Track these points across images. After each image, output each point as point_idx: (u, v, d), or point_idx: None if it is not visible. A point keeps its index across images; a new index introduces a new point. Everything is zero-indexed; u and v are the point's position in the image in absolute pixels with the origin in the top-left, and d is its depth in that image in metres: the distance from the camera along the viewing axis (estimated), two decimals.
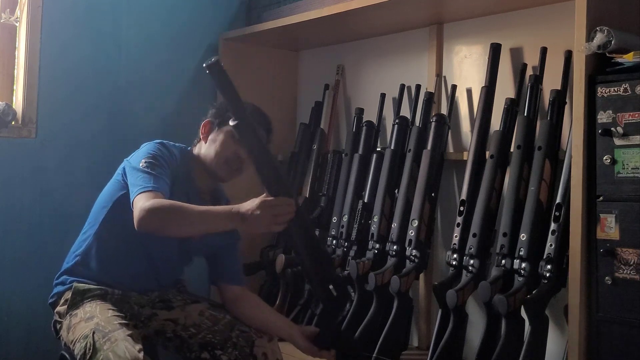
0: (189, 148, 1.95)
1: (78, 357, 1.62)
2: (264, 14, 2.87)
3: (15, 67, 2.48)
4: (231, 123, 1.60)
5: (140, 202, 1.62)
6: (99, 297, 1.77)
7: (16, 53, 2.48)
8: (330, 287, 1.68)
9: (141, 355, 1.54)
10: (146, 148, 1.82)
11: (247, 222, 1.56)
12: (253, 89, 2.86)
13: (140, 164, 1.74)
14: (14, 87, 2.48)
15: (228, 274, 1.94)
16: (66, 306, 1.77)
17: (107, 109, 2.61)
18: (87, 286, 1.78)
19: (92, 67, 2.57)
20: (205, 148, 1.89)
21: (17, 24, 2.47)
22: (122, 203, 1.77)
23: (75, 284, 1.79)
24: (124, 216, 1.73)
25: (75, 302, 1.76)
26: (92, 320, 1.67)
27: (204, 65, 1.56)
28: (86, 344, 1.60)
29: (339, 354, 1.83)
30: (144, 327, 1.82)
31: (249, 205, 1.57)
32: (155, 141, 1.86)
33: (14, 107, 2.41)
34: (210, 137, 1.89)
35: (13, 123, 2.38)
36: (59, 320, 1.79)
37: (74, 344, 1.65)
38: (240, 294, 1.93)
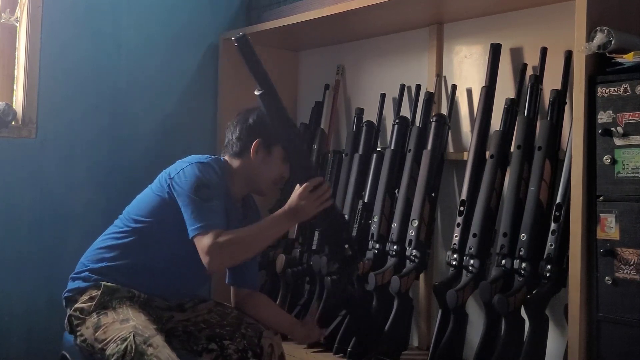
0: (222, 159, 1.92)
1: (113, 357, 1.63)
2: (264, 14, 2.87)
3: (15, 67, 2.48)
4: (256, 92, 1.71)
5: (203, 243, 1.68)
6: (127, 299, 1.76)
7: (16, 53, 2.48)
8: (346, 246, 1.83)
9: None
10: (194, 171, 1.77)
11: (298, 215, 1.75)
12: (253, 89, 2.86)
13: (194, 193, 1.73)
14: (14, 87, 2.48)
15: (246, 278, 1.98)
16: (91, 303, 1.75)
17: (107, 109, 2.61)
18: (115, 286, 1.77)
19: (92, 67, 2.57)
20: (255, 167, 1.87)
21: (17, 24, 2.47)
22: (165, 221, 1.80)
23: (104, 283, 1.77)
24: (164, 234, 1.80)
25: (104, 301, 1.74)
26: (128, 323, 1.68)
27: (232, 39, 1.68)
28: (126, 346, 1.61)
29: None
30: (163, 329, 1.84)
31: (293, 201, 1.73)
32: (199, 160, 1.81)
33: (14, 107, 2.41)
34: (259, 157, 1.87)
35: (13, 123, 2.38)
36: (80, 316, 1.75)
37: (107, 343, 1.66)
38: (251, 293, 1.99)
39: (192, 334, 1.88)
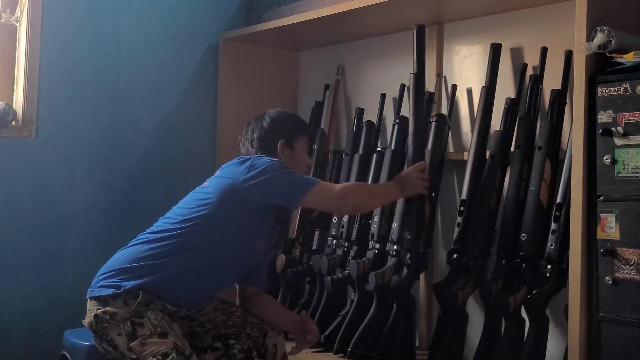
0: None
1: None
2: (264, 14, 2.88)
3: (15, 67, 2.48)
4: (411, 74, 2.02)
5: (326, 190, 1.84)
6: (160, 310, 1.74)
7: (16, 53, 2.48)
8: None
9: None
10: (261, 160, 1.83)
11: (405, 185, 1.94)
12: (253, 89, 2.88)
13: (281, 169, 1.81)
14: (14, 87, 2.48)
15: (253, 277, 1.99)
16: (127, 310, 1.70)
17: (107, 109, 2.61)
18: (151, 298, 1.73)
19: (92, 67, 2.57)
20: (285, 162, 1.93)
21: (17, 24, 2.47)
22: (225, 218, 1.81)
23: (142, 293, 1.72)
24: (229, 246, 1.82)
25: (139, 310, 1.70)
26: (167, 337, 1.67)
27: (416, 25, 2.00)
28: None
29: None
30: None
31: (405, 172, 1.97)
32: (262, 157, 1.86)
33: (14, 107, 2.41)
34: (286, 155, 1.95)
35: (13, 123, 2.38)
36: (110, 320, 1.71)
37: (145, 356, 1.65)
38: (256, 292, 2.00)
39: (197, 333, 1.88)
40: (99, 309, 1.72)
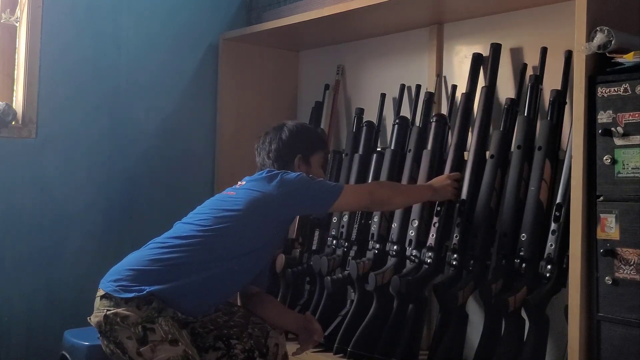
0: None
1: None
2: (264, 14, 2.88)
3: (15, 67, 2.48)
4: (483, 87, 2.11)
5: (355, 191, 1.98)
6: (171, 319, 1.72)
7: (16, 53, 2.48)
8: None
9: None
10: (289, 175, 1.87)
11: (438, 191, 2.04)
12: (253, 89, 2.88)
13: (308, 179, 1.88)
14: (14, 87, 2.48)
15: (259, 279, 1.99)
16: (139, 315, 1.69)
17: (108, 109, 2.61)
18: (164, 305, 1.72)
19: (92, 67, 2.57)
20: None
21: (17, 24, 2.47)
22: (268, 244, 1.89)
23: (156, 300, 1.71)
24: (253, 258, 1.86)
25: (152, 316, 1.70)
26: (177, 345, 1.68)
27: (492, 44, 2.12)
28: None
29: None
30: None
31: (440, 179, 2.06)
32: (289, 173, 1.89)
33: (14, 107, 2.41)
34: (302, 168, 1.99)
35: (13, 123, 2.38)
36: (121, 323, 1.69)
37: None
38: (258, 292, 2.01)
39: (199, 334, 1.87)
40: (110, 310, 1.70)
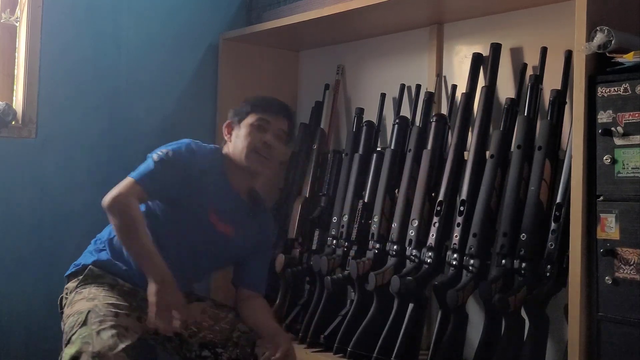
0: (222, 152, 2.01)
1: (66, 330, 1.65)
2: (264, 14, 2.87)
3: (15, 67, 2.48)
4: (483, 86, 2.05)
5: (118, 189, 1.77)
6: (108, 285, 1.80)
7: (16, 53, 2.48)
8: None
9: (121, 354, 1.56)
10: (173, 143, 1.90)
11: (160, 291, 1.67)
12: (253, 89, 2.86)
13: (154, 154, 1.86)
14: (14, 87, 2.48)
15: (250, 280, 2.00)
16: (76, 284, 1.81)
17: (108, 109, 2.61)
18: (100, 272, 1.82)
19: (92, 67, 2.57)
20: (232, 145, 1.95)
21: (17, 24, 2.47)
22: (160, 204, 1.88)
23: (90, 267, 1.83)
24: (163, 215, 1.87)
25: (87, 282, 1.80)
26: (92, 301, 1.71)
27: (491, 44, 2.09)
28: (78, 318, 1.64)
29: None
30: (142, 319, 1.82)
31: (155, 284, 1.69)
32: (186, 140, 1.93)
33: (14, 107, 2.41)
34: (233, 135, 1.96)
35: (13, 123, 2.38)
36: (66, 296, 1.83)
37: (68, 317, 1.69)
38: (253, 295, 1.99)
39: (184, 339, 1.86)
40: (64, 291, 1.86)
